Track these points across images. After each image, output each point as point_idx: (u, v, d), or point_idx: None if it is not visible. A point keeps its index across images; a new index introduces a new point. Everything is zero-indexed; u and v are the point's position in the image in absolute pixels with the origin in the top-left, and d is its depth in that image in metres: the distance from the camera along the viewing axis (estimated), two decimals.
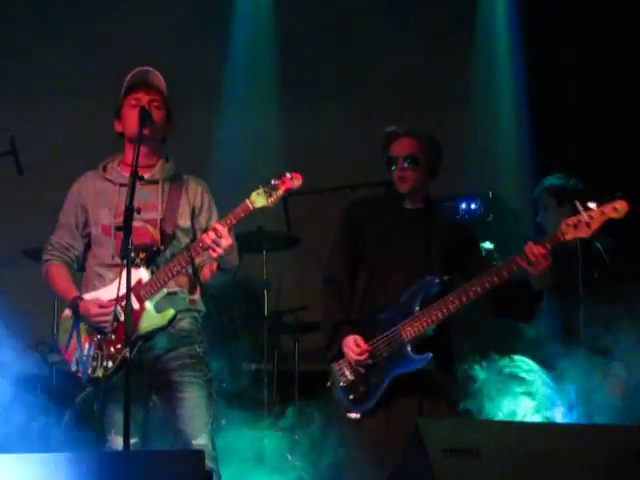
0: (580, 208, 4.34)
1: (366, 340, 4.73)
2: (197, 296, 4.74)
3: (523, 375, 5.36)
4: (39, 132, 7.22)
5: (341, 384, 4.73)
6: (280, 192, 4.38)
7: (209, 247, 4.42)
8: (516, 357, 5.44)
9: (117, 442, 4.46)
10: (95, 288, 4.65)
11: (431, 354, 4.62)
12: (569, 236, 4.37)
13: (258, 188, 4.39)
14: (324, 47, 7.81)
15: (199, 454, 3.48)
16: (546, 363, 5.43)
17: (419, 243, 4.84)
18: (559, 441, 3.39)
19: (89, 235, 4.73)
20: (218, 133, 7.66)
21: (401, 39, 7.73)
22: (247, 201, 4.40)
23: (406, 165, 4.84)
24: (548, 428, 3.79)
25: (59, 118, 7.47)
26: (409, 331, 4.64)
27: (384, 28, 7.72)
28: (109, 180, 4.73)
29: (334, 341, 4.79)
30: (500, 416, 5.18)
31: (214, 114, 7.67)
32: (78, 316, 4.60)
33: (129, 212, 4.25)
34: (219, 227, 4.41)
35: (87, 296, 4.63)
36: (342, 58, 7.82)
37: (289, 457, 5.57)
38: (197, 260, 4.63)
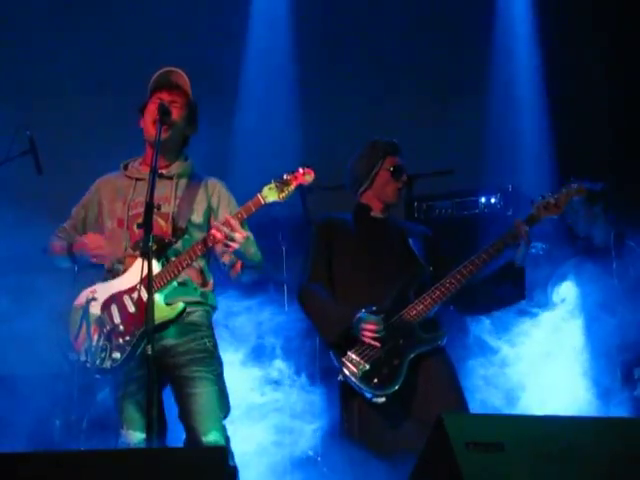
0: (548, 194, 4.97)
1: None
2: (208, 290, 4.70)
3: None
4: (58, 131, 7.14)
5: (359, 373, 4.76)
6: (292, 187, 4.38)
7: (222, 242, 4.37)
8: None
9: (131, 438, 4.45)
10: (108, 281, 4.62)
11: (443, 331, 4.90)
12: (542, 215, 4.92)
13: (270, 183, 4.39)
14: (341, 39, 7.77)
15: (221, 450, 3.49)
16: None
17: (398, 243, 5.07)
18: (583, 435, 3.40)
19: (102, 231, 4.71)
20: (234, 129, 7.61)
21: (421, 33, 7.68)
22: (259, 195, 4.38)
23: (405, 179, 5.14)
24: (572, 421, 3.75)
25: (78, 117, 7.41)
26: (414, 314, 4.85)
27: (402, 22, 7.71)
28: (127, 177, 4.74)
29: (337, 324, 4.85)
30: None
31: (230, 109, 7.61)
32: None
33: (149, 208, 4.21)
34: (231, 220, 4.37)
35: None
36: (360, 52, 7.78)
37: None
38: (226, 259, 4.62)
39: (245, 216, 4.42)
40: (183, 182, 4.70)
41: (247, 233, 4.44)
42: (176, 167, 4.73)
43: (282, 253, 6.60)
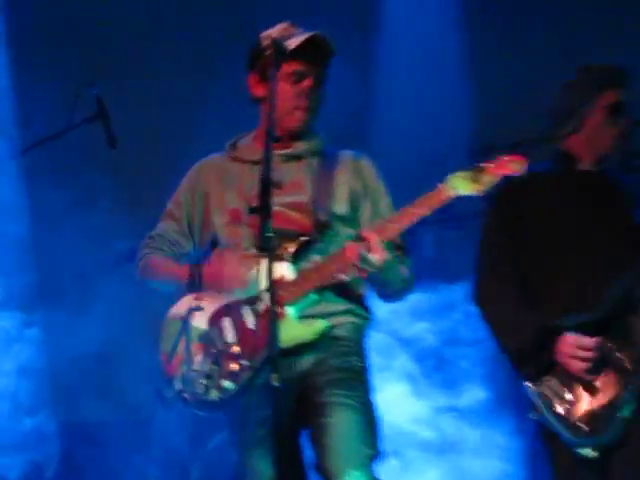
0: None
1: None
2: (359, 295, 4.37)
3: None
4: (133, 91, 6.93)
5: (560, 410, 4.30)
6: (492, 178, 4.03)
7: (353, 264, 4.03)
8: None
9: None
10: None
11: None
12: None
13: (460, 171, 4.05)
14: None
15: None
16: None
17: (622, 210, 4.59)
18: None
19: (209, 232, 4.50)
20: (376, 79, 7.22)
21: None
22: (443, 187, 4.01)
23: (629, 123, 4.61)
24: None
25: (159, 71, 7.17)
26: None
27: None
28: (238, 159, 4.47)
29: (534, 350, 4.38)
30: None
31: (371, 50, 7.19)
32: (197, 298, 4.27)
33: (265, 185, 3.69)
34: (368, 235, 4.02)
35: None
36: None
37: None
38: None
39: (414, 220, 4.04)
40: (315, 162, 4.43)
41: (386, 255, 4.03)
42: (305, 143, 4.43)
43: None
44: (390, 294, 4.34)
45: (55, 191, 6.01)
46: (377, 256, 3.98)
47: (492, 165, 4.04)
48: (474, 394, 5.95)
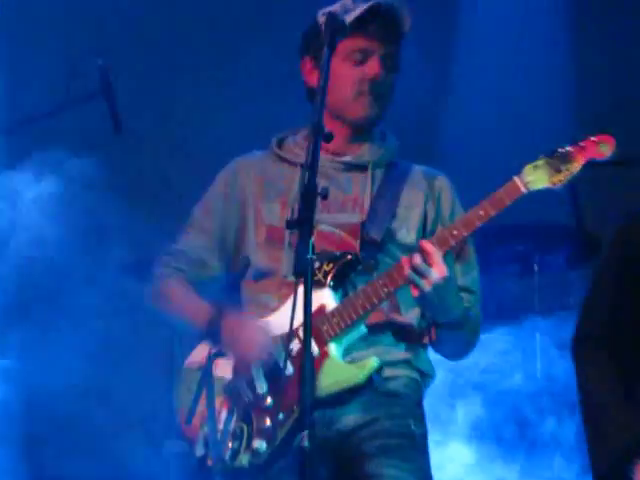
0: None
1: None
2: (419, 345, 4.23)
3: None
4: (144, 65, 6.79)
5: None
6: (576, 165, 3.87)
7: (407, 279, 3.94)
8: None
9: None
10: None
11: None
12: None
13: (536, 160, 3.92)
14: None
15: None
16: None
17: None
18: None
19: (242, 254, 4.35)
20: (455, 68, 7.06)
21: None
22: (516, 180, 3.87)
23: None
24: None
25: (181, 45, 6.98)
26: None
27: None
28: (286, 160, 4.31)
29: (614, 458, 4.00)
30: None
31: (449, 33, 6.96)
32: (218, 349, 4.13)
33: (308, 193, 3.45)
34: (427, 246, 3.90)
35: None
36: None
37: None
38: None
39: (478, 225, 3.93)
40: (380, 174, 4.34)
41: (447, 272, 3.96)
42: (371, 150, 4.31)
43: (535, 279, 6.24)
44: (448, 323, 4.13)
45: (42, 183, 5.79)
46: (436, 270, 3.89)
47: (576, 149, 3.87)
48: (561, 462, 5.82)
